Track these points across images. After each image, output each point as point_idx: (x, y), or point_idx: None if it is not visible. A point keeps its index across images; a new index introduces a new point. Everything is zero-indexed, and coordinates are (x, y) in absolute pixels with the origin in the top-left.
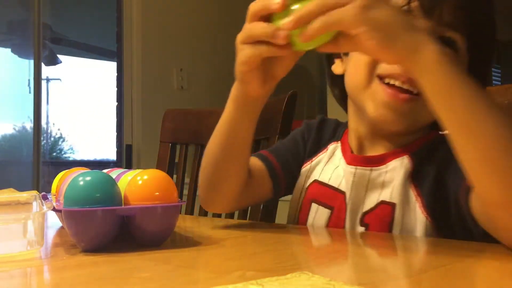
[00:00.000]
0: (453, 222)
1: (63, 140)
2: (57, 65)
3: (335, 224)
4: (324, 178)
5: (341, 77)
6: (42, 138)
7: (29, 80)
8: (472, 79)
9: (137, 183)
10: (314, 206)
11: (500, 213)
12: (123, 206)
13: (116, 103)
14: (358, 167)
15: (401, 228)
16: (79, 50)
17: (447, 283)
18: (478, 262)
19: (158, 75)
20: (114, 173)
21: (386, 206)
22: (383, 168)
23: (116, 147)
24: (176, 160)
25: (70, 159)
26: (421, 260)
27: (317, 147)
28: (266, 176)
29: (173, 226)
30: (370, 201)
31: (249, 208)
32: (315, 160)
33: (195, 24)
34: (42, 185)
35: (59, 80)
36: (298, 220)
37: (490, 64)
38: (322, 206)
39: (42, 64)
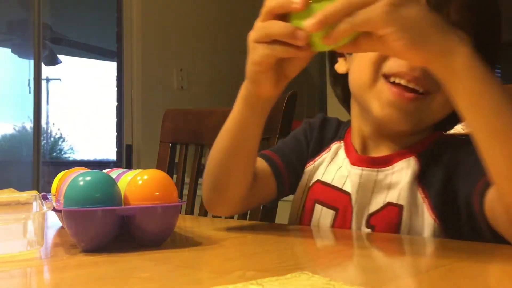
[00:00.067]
0: (462, 224)
1: (63, 140)
2: (57, 65)
3: (340, 225)
4: (327, 179)
5: (344, 76)
6: (42, 138)
7: (29, 80)
8: (498, 81)
9: (137, 183)
10: (318, 207)
11: None
12: (123, 206)
13: (116, 103)
14: (364, 168)
15: (408, 230)
16: (79, 50)
17: (448, 283)
18: (478, 262)
19: (158, 75)
20: (114, 173)
21: (393, 208)
22: (389, 169)
23: (116, 147)
24: (176, 160)
25: (70, 159)
26: (422, 260)
27: (320, 146)
28: (271, 177)
29: (173, 226)
30: (377, 203)
31: None
32: (318, 159)
33: (195, 24)
34: (42, 185)
35: (59, 80)
36: (300, 220)
37: (495, 64)
38: (326, 207)
39: (42, 64)
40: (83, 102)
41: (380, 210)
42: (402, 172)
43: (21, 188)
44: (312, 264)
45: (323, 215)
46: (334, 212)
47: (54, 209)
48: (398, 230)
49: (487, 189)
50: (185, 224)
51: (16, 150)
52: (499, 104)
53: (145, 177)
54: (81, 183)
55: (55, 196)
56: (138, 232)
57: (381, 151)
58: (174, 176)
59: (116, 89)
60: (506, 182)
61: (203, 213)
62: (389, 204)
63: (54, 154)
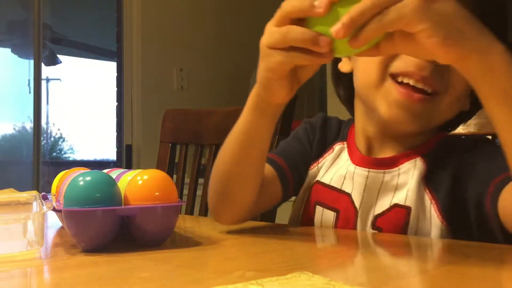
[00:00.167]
0: (470, 226)
1: (63, 140)
2: (57, 65)
3: (343, 227)
4: (326, 179)
5: (347, 76)
6: (42, 138)
7: (29, 80)
8: None
9: (137, 183)
10: (319, 208)
11: None
12: (123, 206)
13: (116, 103)
14: (370, 169)
15: (415, 231)
16: (79, 50)
17: (448, 283)
18: (479, 262)
19: (158, 75)
20: (114, 173)
21: (400, 210)
22: (396, 170)
23: (116, 147)
24: (176, 160)
25: (70, 159)
26: (422, 260)
27: (323, 148)
28: (277, 181)
29: (173, 226)
30: (383, 204)
31: None
32: (322, 161)
33: (195, 24)
34: (42, 185)
35: (59, 80)
36: (301, 221)
37: None
38: (326, 208)
39: (42, 64)
40: (83, 102)
41: (386, 212)
42: (409, 173)
43: (21, 188)
44: (312, 264)
45: (324, 217)
46: (335, 213)
47: (54, 209)
48: (405, 231)
49: (502, 190)
50: (185, 224)
51: (16, 150)
52: None
53: (145, 177)
54: (81, 183)
55: (55, 196)
56: (138, 232)
57: (386, 152)
58: (174, 176)
59: (116, 89)
60: None
61: (203, 213)
62: (395, 205)
63: (54, 154)
